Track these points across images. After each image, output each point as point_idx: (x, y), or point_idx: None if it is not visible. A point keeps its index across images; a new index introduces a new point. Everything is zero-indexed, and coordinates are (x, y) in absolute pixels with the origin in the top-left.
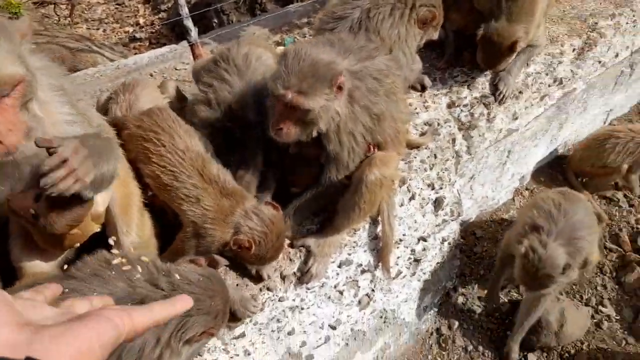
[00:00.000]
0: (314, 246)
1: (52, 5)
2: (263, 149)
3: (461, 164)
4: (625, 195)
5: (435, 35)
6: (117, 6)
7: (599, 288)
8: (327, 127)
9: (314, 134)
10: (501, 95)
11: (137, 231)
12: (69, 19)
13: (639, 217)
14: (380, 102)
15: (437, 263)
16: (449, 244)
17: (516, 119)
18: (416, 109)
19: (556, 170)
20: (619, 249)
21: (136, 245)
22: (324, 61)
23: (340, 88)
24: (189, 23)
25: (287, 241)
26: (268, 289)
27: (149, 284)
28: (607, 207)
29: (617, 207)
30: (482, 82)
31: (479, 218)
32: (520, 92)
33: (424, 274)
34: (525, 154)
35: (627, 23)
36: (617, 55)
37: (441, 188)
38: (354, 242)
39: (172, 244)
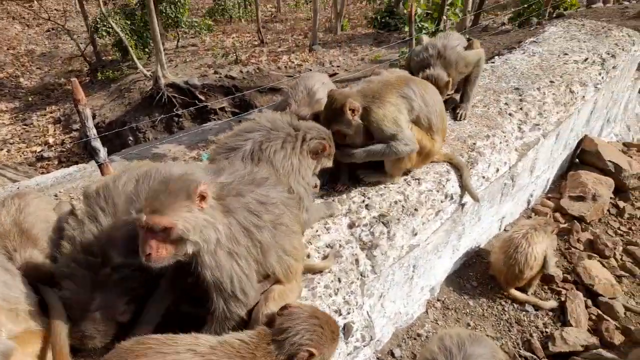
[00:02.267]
0: None
1: None
2: (129, 291)
3: (367, 284)
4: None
5: (329, 163)
6: (24, 126)
7: None
8: (201, 247)
9: (189, 251)
10: None
11: None
12: None
13: (546, 321)
14: (263, 228)
15: None
16: None
17: (416, 234)
18: (317, 231)
19: (464, 279)
20: (533, 356)
21: None
22: (178, 175)
23: (203, 197)
24: (97, 144)
25: None
26: None
27: None
28: (515, 313)
29: (524, 313)
30: (379, 202)
31: (395, 335)
32: (415, 210)
33: None
34: (430, 267)
35: (500, 143)
36: (497, 171)
37: (349, 313)
38: None
39: None
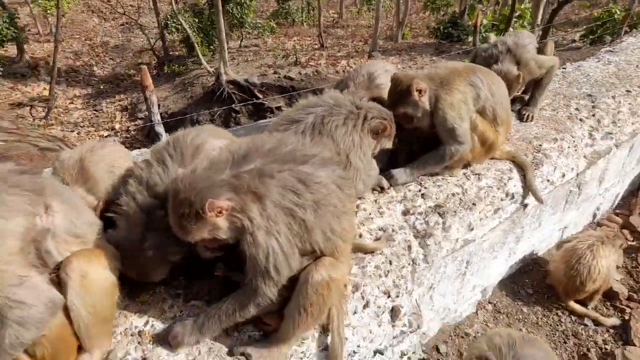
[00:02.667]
0: (255, 356)
1: (29, 107)
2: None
3: (418, 272)
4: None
5: (389, 144)
6: (94, 112)
7: None
8: (242, 231)
9: (230, 240)
10: None
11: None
12: (44, 120)
13: (606, 338)
14: (307, 207)
15: None
16: (409, 358)
17: (472, 229)
18: (370, 214)
19: (519, 284)
20: None
21: None
22: (189, 198)
23: (219, 211)
24: (160, 129)
25: (225, 348)
26: None
27: None
28: (572, 326)
29: (582, 326)
30: (436, 193)
31: (442, 331)
32: (473, 204)
33: None
34: (484, 266)
35: (568, 147)
36: (563, 176)
37: (397, 296)
38: (302, 352)
39: None
